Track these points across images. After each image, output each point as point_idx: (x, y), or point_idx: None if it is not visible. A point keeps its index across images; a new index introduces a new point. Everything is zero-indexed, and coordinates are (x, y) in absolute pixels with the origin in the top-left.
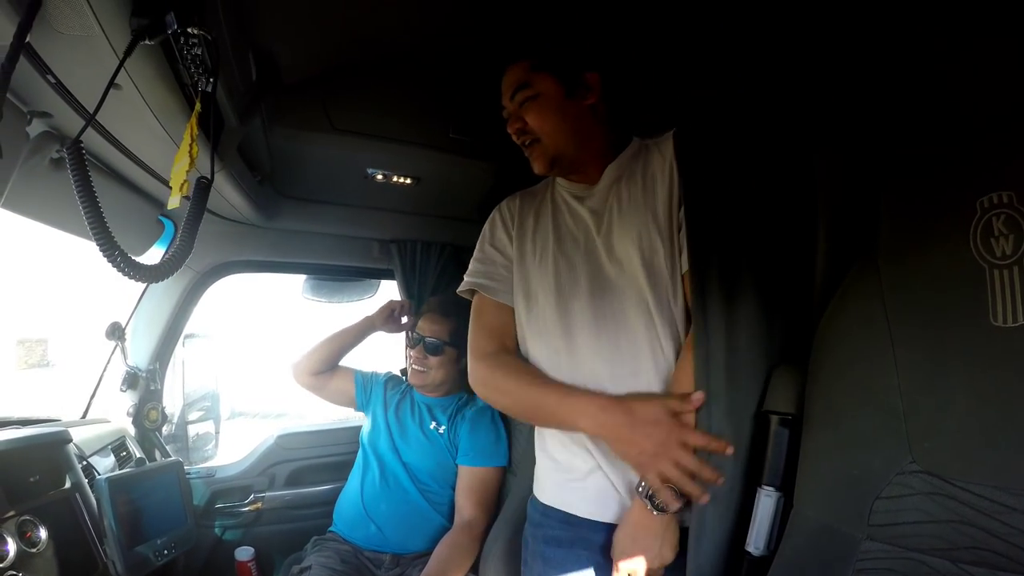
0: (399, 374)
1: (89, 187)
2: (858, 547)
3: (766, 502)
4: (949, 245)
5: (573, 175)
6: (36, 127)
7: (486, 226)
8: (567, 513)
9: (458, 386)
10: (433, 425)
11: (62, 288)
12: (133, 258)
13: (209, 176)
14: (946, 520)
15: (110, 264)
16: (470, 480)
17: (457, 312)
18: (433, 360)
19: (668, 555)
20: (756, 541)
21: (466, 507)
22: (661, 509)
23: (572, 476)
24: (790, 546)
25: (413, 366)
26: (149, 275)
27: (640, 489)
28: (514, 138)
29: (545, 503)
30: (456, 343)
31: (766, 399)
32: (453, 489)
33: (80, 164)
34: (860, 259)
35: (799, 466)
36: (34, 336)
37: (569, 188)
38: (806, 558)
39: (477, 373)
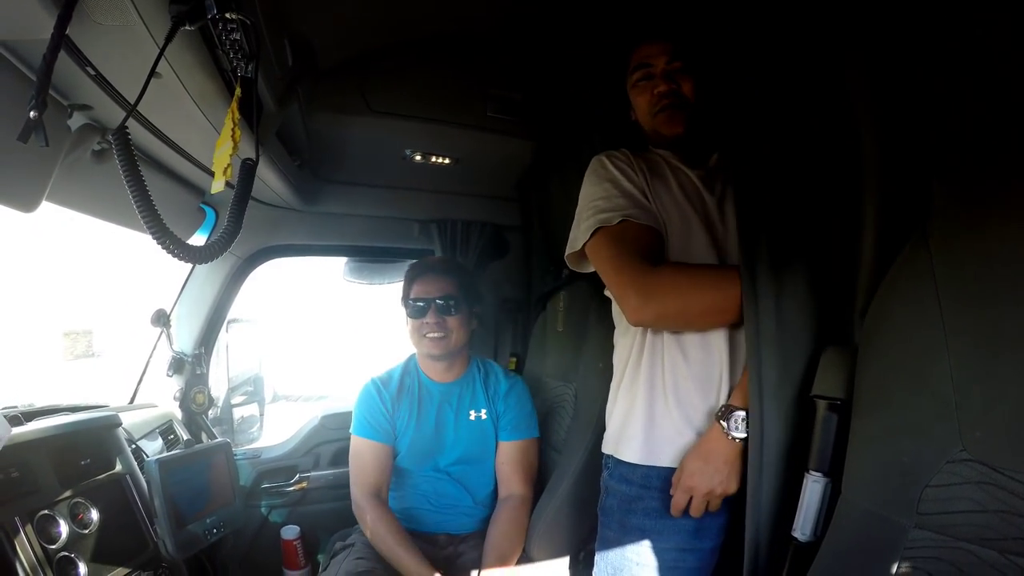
0: (386, 374)
1: (136, 172)
2: (906, 535)
3: (813, 488)
4: (1004, 230)
5: (682, 149)
6: (77, 120)
7: (606, 170)
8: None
9: (467, 354)
10: (473, 415)
11: (106, 279)
12: (183, 240)
13: (254, 158)
14: (995, 510)
15: (161, 247)
16: (515, 455)
17: (456, 269)
18: (452, 320)
19: (733, 486)
20: (803, 527)
21: (515, 482)
22: (738, 435)
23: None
24: (837, 533)
25: (429, 336)
26: (199, 256)
27: (720, 412)
28: (654, 99)
29: (646, 464)
30: (466, 299)
31: (815, 383)
32: (491, 464)
33: (127, 150)
34: (911, 240)
35: (848, 452)
36: (79, 327)
37: (675, 158)
38: (854, 545)
39: (643, 285)
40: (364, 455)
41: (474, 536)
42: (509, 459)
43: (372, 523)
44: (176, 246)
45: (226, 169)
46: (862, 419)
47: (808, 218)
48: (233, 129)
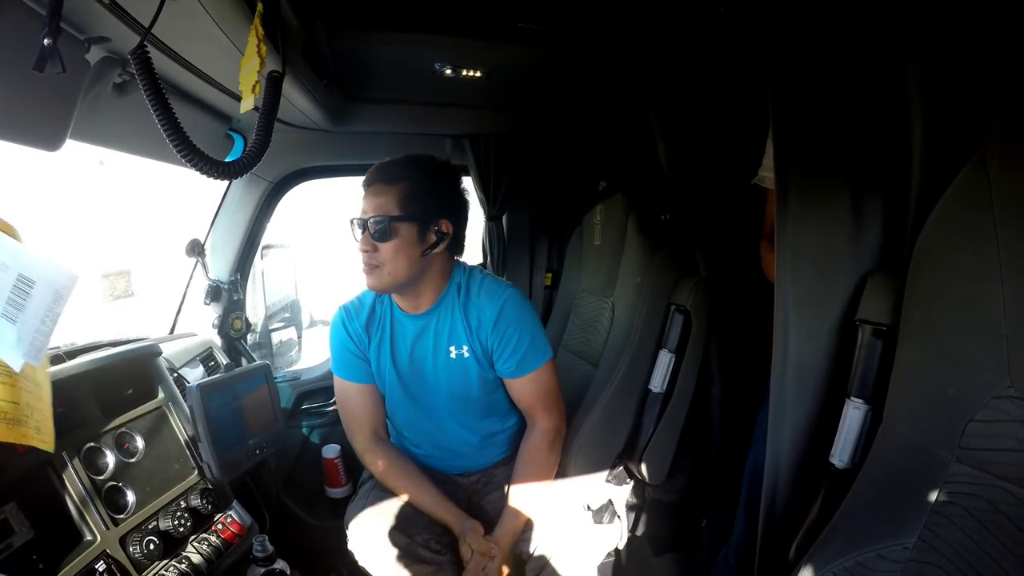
0: (357, 299)
1: (158, 89)
2: (946, 469)
3: (854, 414)
4: None
5: None
6: (95, 54)
7: None
8: None
9: (439, 278)
10: (454, 352)
11: (141, 219)
12: (210, 157)
13: (280, 70)
14: None
15: (188, 164)
16: (529, 388)
17: (409, 173)
18: (386, 248)
19: None
20: (840, 454)
21: (538, 415)
22: None
23: None
24: (876, 462)
25: (362, 266)
26: (228, 171)
27: None
28: None
29: None
30: (416, 215)
31: (860, 307)
32: (496, 393)
33: (147, 67)
34: (969, 166)
35: (892, 380)
36: (117, 268)
37: None
38: (893, 475)
39: None
40: (350, 398)
41: (499, 465)
42: (525, 393)
43: (382, 472)
44: (204, 162)
45: (254, 86)
46: (908, 347)
47: (849, 132)
48: (258, 45)
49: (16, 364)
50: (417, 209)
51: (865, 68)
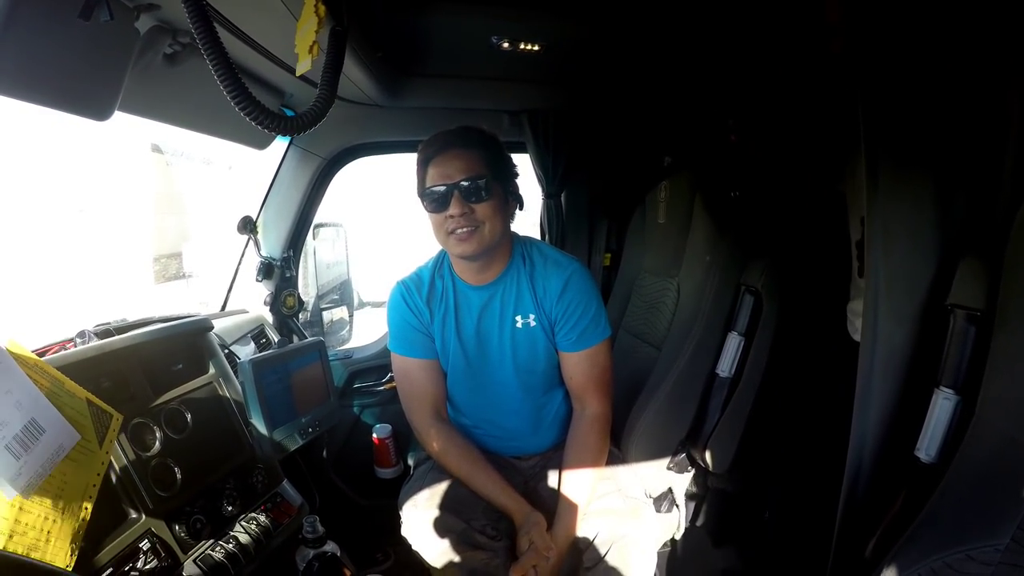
0: (415, 274)
1: (215, 36)
2: None
3: (944, 405)
4: None
5: None
6: (145, 22)
7: None
8: None
9: (508, 243)
10: (520, 321)
11: (195, 205)
12: (272, 111)
13: (343, 24)
14: None
15: (250, 117)
16: (583, 366)
17: (482, 139)
18: (483, 208)
19: None
20: (928, 447)
21: (589, 398)
22: None
23: None
24: (969, 457)
25: (455, 233)
26: (290, 126)
27: None
28: None
29: None
30: (499, 176)
31: (952, 291)
32: (557, 368)
33: (201, 13)
34: None
35: (987, 369)
36: (169, 251)
37: None
38: (987, 473)
39: None
40: (410, 374)
41: (558, 449)
42: (579, 371)
43: (440, 451)
44: (265, 115)
45: (312, 47)
46: (1006, 334)
47: (941, 112)
48: (316, 5)
49: (8, 495)
50: (500, 169)
51: (957, 48)
